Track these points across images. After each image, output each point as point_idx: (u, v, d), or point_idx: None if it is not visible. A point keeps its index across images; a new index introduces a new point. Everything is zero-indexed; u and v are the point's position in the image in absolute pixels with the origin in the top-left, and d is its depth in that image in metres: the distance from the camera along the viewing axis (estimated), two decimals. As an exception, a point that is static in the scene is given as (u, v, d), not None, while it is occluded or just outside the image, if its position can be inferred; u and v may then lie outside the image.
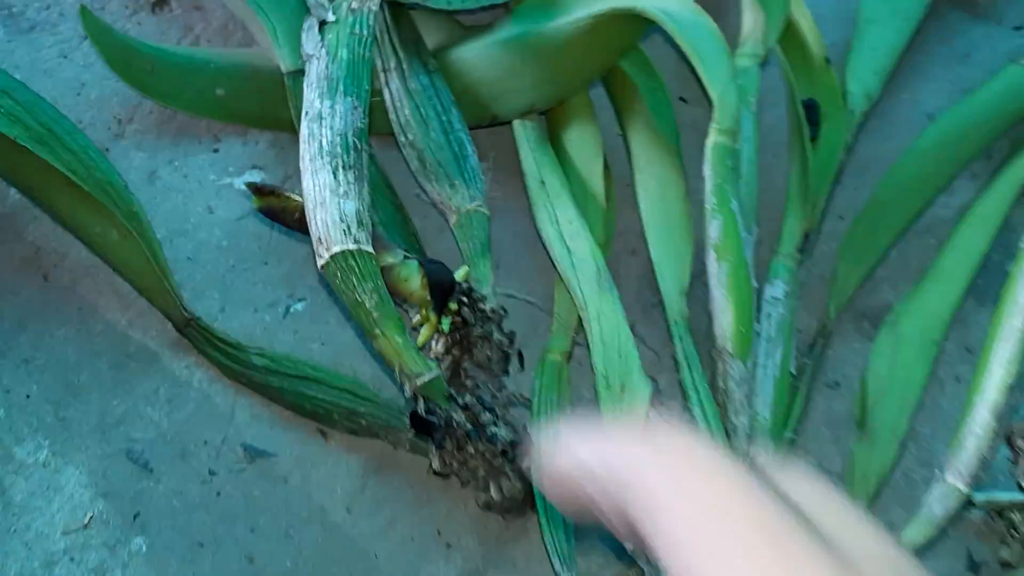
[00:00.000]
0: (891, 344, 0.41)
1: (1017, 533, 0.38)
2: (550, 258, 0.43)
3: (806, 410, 0.42)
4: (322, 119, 0.34)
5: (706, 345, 0.39)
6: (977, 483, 0.41)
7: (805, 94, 0.44)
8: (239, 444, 0.42)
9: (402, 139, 0.41)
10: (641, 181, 0.43)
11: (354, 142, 0.34)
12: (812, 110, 0.43)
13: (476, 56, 0.43)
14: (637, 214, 0.45)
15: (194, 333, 0.41)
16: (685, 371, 0.37)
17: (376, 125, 0.42)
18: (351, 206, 0.33)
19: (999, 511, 0.39)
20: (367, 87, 0.36)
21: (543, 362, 0.41)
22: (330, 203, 0.33)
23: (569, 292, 0.41)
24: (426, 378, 0.33)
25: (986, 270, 0.45)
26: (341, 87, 0.35)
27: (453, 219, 0.40)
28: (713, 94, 0.38)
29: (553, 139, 0.46)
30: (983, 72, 0.50)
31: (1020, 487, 0.38)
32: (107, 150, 0.47)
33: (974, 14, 0.53)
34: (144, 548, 0.40)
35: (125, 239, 0.40)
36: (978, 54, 0.52)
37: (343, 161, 0.34)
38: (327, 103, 0.35)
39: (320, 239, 0.33)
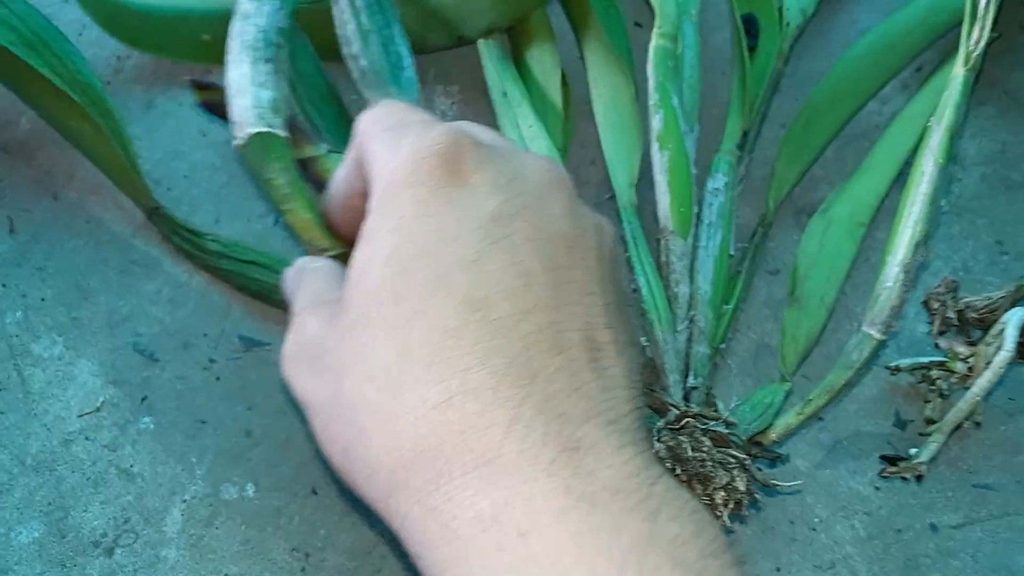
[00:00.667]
0: (822, 227, 0.45)
1: (937, 390, 0.43)
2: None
3: (748, 293, 0.46)
4: (247, 17, 0.39)
5: (653, 230, 0.43)
6: (900, 349, 0.45)
7: (744, 10, 0.48)
8: (236, 335, 0.46)
9: (345, 51, 0.45)
10: (596, 94, 0.47)
11: (275, 38, 0.39)
12: (750, 24, 0.48)
13: (439, -19, 0.47)
14: (595, 129, 0.49)
15: (159, 220, 0.46)
16: (632, 248, 0.42)
17: (325, 48, 0.46)
18: (267, 94, 0.37)
19: (922, 374, 0.43)
20: None
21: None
22: (248, 91, 0.37)
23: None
24: (332, 252, 0.37)
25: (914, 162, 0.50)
26: None
27: None
28: (654, 3, 0.42)
29: (515, 57, 0.50)
30: (915, -7, 0.54)
31: (937, 346, 0.42)
32: (108, 83, 0.51)
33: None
34: (152, 426, 0.44)
35: (97, 133, 0.44)
36: (911, -21, 0.56)
37: (263, 55, 0.38)
38: (254, 3, 0.39)
39: (237, 123, 0.37)
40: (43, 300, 0.47)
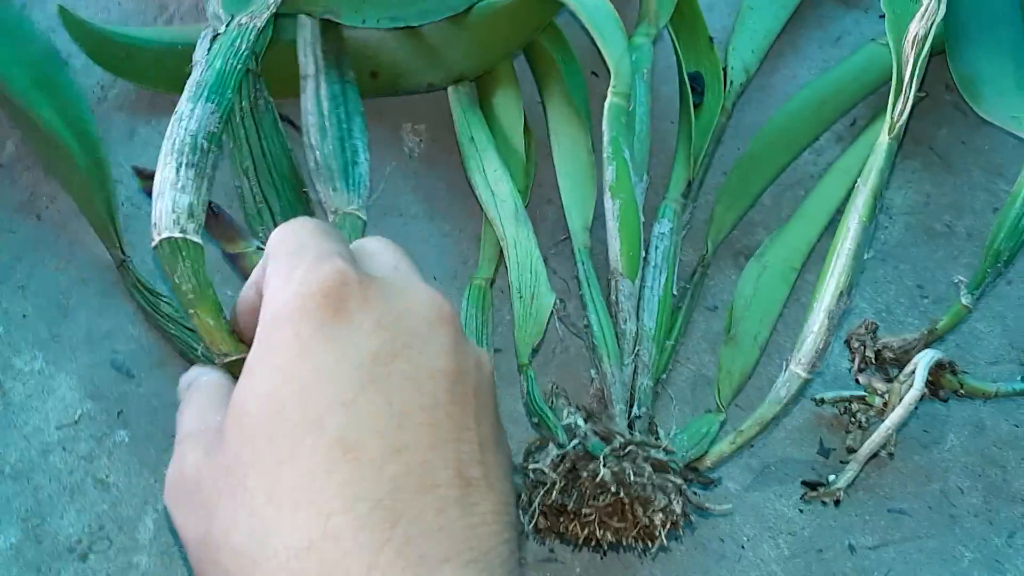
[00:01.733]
0: (757, 271, 0.49)
1: (857, 422, 0.47)
2: (478, 202, 0.50)
3: (688, 328, 0.50)
4: (180, 120, 0.40)
5: (605, 271, 0.47)
6: (825, 382, 0.49)
7: (692, 68, 0.52)
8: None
9: (305, 140, 0.47)
10: (555, 140, 0.51)
11: (202, 143, 0.40)
12: (696, 81, 0.52)
13: (413, 30, 0.51)
14: (554, 170, 0.53)
15: (125, 273, 0.48)
16: (584, 287, 0.45)
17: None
18: (185, 200, 0.38)
19: (844, 406, 0.47)
20: (230, 96, 0.41)
21: (470, 287, 0.48)
22: (167, 195, 0.38)
23: (493, 228, 0.48)
24: (232, 357, 0.38)
25: (843, 214, 0.54)
26: (205, 93, 0.41)
27: (331, 219, 0.47)
28: (610, 63, 0.46)
29: (482, 103, 0.53)
30: (851, 53, 0.59)
31: (857, 382, 0.46)
32: (92, 111, 0.54)
33: (846, 4, 0.61)
34: (127, 439, 0.47)
35: (85, 184, 0.47)
36: (848, 38, 0.60)
37: (188, 159, 0.39)
38: (189, 106, 0.40)
39: (155, 225, 0.38)
40: (24, 316, 0.49)
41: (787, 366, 0.43)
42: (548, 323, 0.45)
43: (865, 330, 0.46)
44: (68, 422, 0.47)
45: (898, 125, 0.44)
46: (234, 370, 0.37)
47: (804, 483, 0.46)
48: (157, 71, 0.52)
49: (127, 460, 0.46)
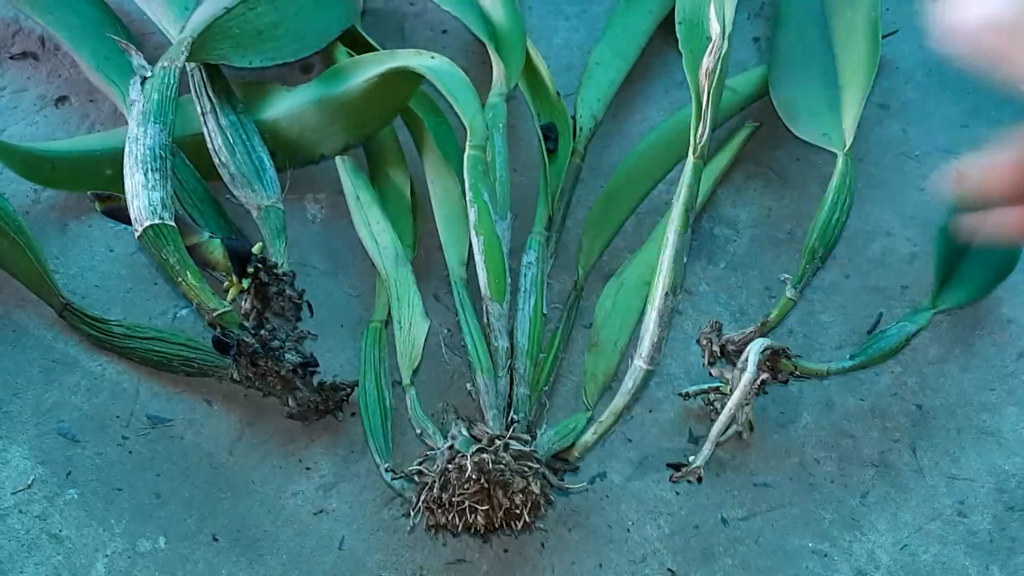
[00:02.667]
0: (616, 288, 0.56)
1: (715, 409, 0.53)
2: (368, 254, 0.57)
3: (568, 344, 0.57)
4: (137, 140, 0.51)
5: (480, 299, 0.54)
6: (691, 379, 0.56)
7: (545, 120, 0.60)
8: (144, 415, 0.55)
9: (216, 160, 0.56)
10: (432, 190, 0.58)
11: (160, 153, 0.50)
12: (549, 131, 0.59)
13: (300, 113, 0.59)
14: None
15: (71, 315, 0.55)
16: (460, 313, 0.52)
17: (205, 167, 0.57)
18: (157, 195, 0.49)
19: (704, 397, 0.54)
20: (171, 118, 0.52)
21: (367, 328, 0.55)
22: (141, 194, 0.49)
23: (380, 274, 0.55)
24: (219, 311, 0.49)
25: (696, 233, 0.61)
26: (152, 117, 0.51)
27: (255, 213, 0.55)
28: (466, 122, 0.54)
29: (372, 166, 0.61)
30: (696, 94, 0.67)
31: (711, 375, 0.53)
32: (27, 212, 0.61)
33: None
34: (76, 496, 0.53)
35: (13, 247, 0.54)
36: (692, 81, 0.68)
37: (152, 165, 0.50)
38: (141, 129, 0.51)
39: (136, 219, 0.49)
40: (-23, 399, 0.55)
41: (632, 361, 0.50)
42: (425, 346, 0.52)
43: (711, 329, 0.53)
44: (22, 487, 0.53)
45: (700, 146, 0.51)
46: (223, 322, 0.49)
47: (668, 465, 0.52)
48: (81, 176, 0.59)
49: (77, 515, 0.52)
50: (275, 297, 0.52)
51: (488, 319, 0.52)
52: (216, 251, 0.51)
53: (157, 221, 0.48)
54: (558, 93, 0.61)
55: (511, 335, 0.52)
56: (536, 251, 0.55)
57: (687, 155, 0.52)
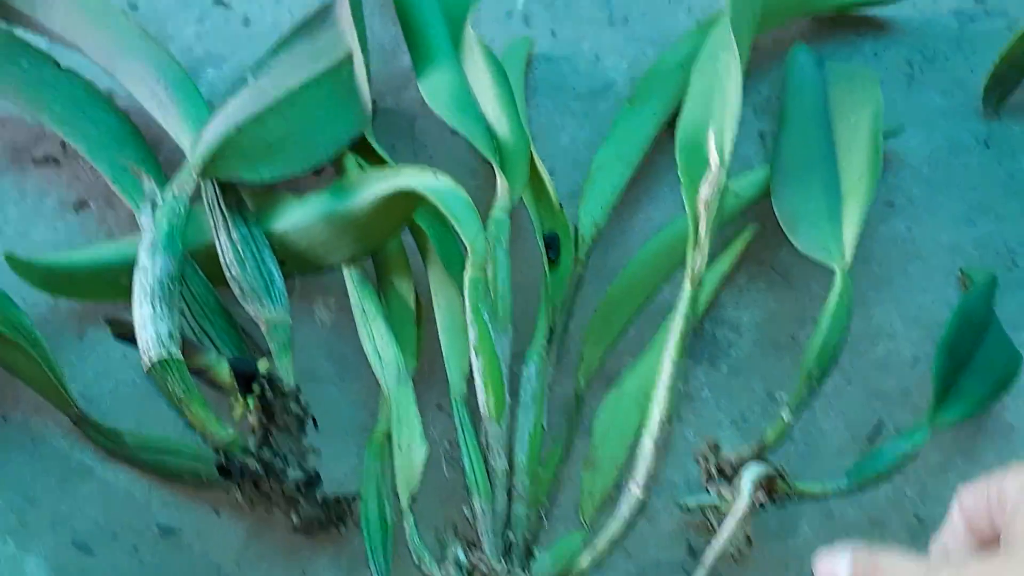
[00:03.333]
0: (616, 398, 0.57)
1: (714, 526, 0.54)
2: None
3: (569, 454, 0.58)
4: (145, 270, 0.53)
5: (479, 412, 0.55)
6: (691, 488, 0.56)
7: (547, 230, 0.61)
8: (154, 525, 0.57)
9: (228, 274, 0.58)
10: (436, 303, 0.60)
11: (168, 284, 0.52)
12: (551, 241, 0.60)
13: (309, 227, 0.60)
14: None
15: (84, 425, 0.57)
16: (459, 433, 0.53)
17: (217, 274, 0.58)
18: (164, 327, 0.51)
19: (703, 511, 0.55)
20: (180, 248, 0.54)
21: (370, 441, 0.56)
22: (149, 326, 0.51)
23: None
24: (224, 439, 0.51)
25: (698, 337, 0.62)
26: (161, 248, 0.54)
27: (264, 327, 0.57)
28: (467, 242, 0.55)
29: (379, 276, 0.62)
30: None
31: (708, 491, 0.54)
32: (46, 319, 0.63)
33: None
34: (89, 608, 0.54)
35: (29, 361, 0.56)
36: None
37: (159, 297, 0.52)
38: (150, 259, 0.53)
39: (144, 351, 0.51)
40: (-4, 508, 0.57)
41: (627, 487, 0.51)
42: (429, 465, 0.53)
43: (707, 447, 0.53)
44: (37, 598, 0.55)
45: (697, 275, 0.52)
46: (228, 448, 0.51)
47: None
48: (97, 287, 0.61)
49: (89, 626, 0.54)
50: (280, 413, 0.54)
51: (486, 439, 0.53)
52: (223, 372, 0.53)
53: (164, 355, 0.50)
54: (560, 205, 0.62)
55: (510, 452, 0.53)
56: (536, 364, 0.56)
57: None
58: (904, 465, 0.54)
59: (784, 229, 0.61)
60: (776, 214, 0.62)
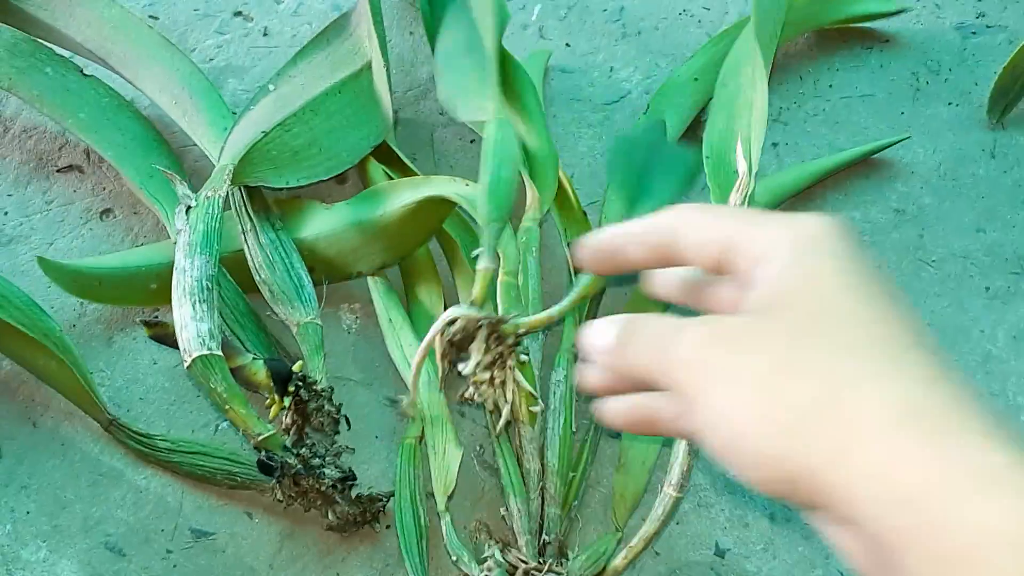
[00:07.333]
0: (643, 403, 0.58)
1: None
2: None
3: (595, 456, 0.59)
4: (184, 271, 0.53)
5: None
6: (717, 487, 0.57)
7: (573, 237, 0.62)
8: (187, 528, 0.57)
9: (257, 278, 0.58)
10: (464, 308, 0.61)
11: (207, 284, 0.53)
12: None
13: (338, 234, 0.61)
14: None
15: (116, 430, 0.58)
16: (493, 437, 0.54)
17: (245, 280, 0.59)
18: (205, 326, 0.51)
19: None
20: (216, 248, 0.54)
21: (401, 444, 0.57)
22: (190, 326, 0.51)
23: (415, 393, 0.58)
24: (264, 435, 0.51)
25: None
26: (198, 249, 0.54)
27: (295, 329, 0.58)
28: (499, 251, 0.56)
29: (406, 284, 0.63)
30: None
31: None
32: (73, 326, 0.63)
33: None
34: (123, 611, 0.55)
35: (60, 366, 0.56)
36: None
37: (199, 297, 0.52)
38: (188, 260, 0.53)
39: (185, 349, 0.51)
40: (28, 513, 0.57)
41: (662, 488, 0.52)
42: (460, 468, 0.54)
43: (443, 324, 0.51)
44: (71, 601, 0.55)
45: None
46: (268, 445, 0.51)
47: None
48: (126, 292, 0.62)
49: (124, 629, 0.54)
50: (314, 413, 0.55)
51: (519, 442, 0.54)
52: (259, 372, 0.54)
53: (205, 352, 0.50)
54: (584, 213, 0.63)
55: (542, 454, 0.54)
56: (564, 368, 0.57)
57: None
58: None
59: (450, 113, 0.61)
60: (443, 106, 0.62)
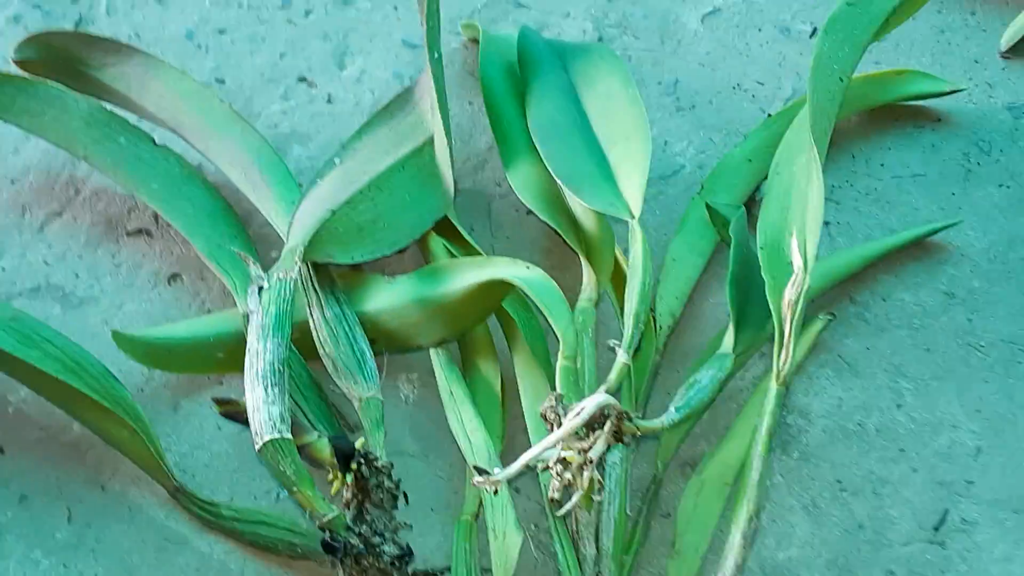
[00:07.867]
0: (697, 488, 0.59)
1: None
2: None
3: (646, 537, 0.60)
4: (258, 354, 0.55)
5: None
6: (763, 571, 0.59)
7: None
8: (250, 597, 0.59)
9: (321, 351, 0.60)
10: (522, 385, 0.62)
11: (279, 367, 0.55)
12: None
13: (400, 309, 0.63)
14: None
15: (182, 497, 0.60)
16: (551, 521, 0.56)
17: (308, 348, 0.61)
18: (276, 410, 0.53)
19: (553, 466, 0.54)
20: (288, 331, 0.56)
21: (458, 522, 0.59)
22: (262, 409, 0.53)
23: (473, 470, 0.59)
24: (329, 517, 0.53)
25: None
26: (270, 332, 0.56)
27: (357, 404, 0.59)
28: (558, 332, 0.58)
29: (464, 359, 0.65)
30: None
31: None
32: (141, 390, 0.66)
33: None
34: None
35: (131, 434, 0.58)
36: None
37: (271, 380, 0.54)
38: (261, 343, 0.55)
39: (257, 432, 0.53)
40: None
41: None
42: (522, 550, 0.55)
43: (554, 400, 0.52)
44: (137, 667, 0.57)
45: (784, 374, 0.54)
46: (332, 526, 0.53)
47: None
48: (194, 361, 0.64)
49: None
50: (375, 489, 0.56)
51: (576, 526, 0.55)
52: (324, 450, 0.55)
53: (276, 436, 0.52)
54: (641, 294, 0.64)
55: (597, 538, 0.56)
56: (620, 451, 0.59)
57: (770, 380, 0.55)
58: (720, 390, 0.58)
59: (570, 191, 0.63)
60: (558, 180, 0.63)
